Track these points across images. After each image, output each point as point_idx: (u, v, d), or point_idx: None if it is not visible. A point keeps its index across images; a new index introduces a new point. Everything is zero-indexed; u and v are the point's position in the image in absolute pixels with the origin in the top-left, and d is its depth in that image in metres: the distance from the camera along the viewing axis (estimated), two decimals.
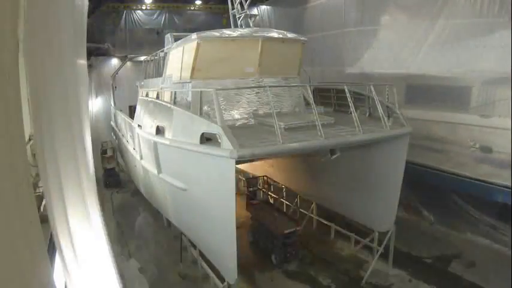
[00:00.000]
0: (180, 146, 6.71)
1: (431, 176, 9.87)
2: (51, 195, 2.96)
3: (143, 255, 9.38)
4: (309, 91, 8.31)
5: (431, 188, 10.21)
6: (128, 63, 19.75)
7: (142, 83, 12.77)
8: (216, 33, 8.09)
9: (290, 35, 8.91)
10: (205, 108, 7.26)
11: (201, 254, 7.80)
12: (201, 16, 23.67)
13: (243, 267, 6.66)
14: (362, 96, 8.57)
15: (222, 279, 6.72)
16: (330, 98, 9.78)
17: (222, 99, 7.56)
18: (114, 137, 16.05)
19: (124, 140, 12.51)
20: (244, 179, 12.11)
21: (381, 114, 7.03)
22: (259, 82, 8.42)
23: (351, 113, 6.90)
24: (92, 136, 4.64)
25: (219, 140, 5.65)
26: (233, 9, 10.31)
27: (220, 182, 5.88)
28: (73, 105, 3.65)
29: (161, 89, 9.91)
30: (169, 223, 10.05)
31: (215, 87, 6.10)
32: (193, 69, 8.01)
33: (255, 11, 18.38)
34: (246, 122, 8.02)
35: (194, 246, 8.16)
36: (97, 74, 20.88)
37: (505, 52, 8.14)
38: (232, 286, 6.42)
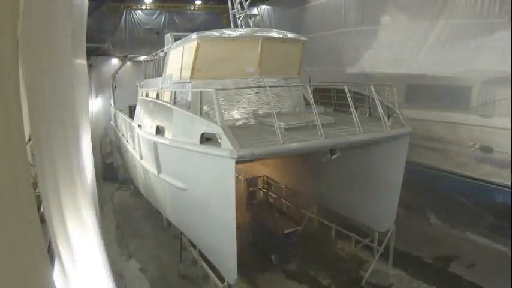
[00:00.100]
0: (180, 146, 6.71)
1: (431, 175, 9.88)
2: (49, 197, 2.95)
3: (143, 256, 9.39)
4: (309, 91, 8.32)
5: (431, 188, 10.21)
6: (128, 63, 19.73)
7: (142, 83, 12.76)
8: (216, 33, 8.09)
9: (290, 35, 8.90)
10: (205, 108, 7.26)
11: (201, 254, 7.79)
12: (201, 16, 23.63)
13: (243, 267, 6.64)
14: (362, 96, 8.56)
15: (222, 279, 6.71)
16: (330, 98, 9.77)
17: (222, 99, 7.55)
18: (114, 137, 16.13)
19: (124, 140, 12.51)
20: (244, 179, 12.11)
21: (381, 114, 7.03)
22: (259, 82, 8.41)
23: (351, 113, 6.90)
24: (91, 135, 4.65)
25: (219, 140, 5.65)
26: (233, 9, 10.31)
27: (220, 182, 5.88)
28: (72, 105, 3.65)
29: (161, 89, 9.91)
30: (169, 223, 10.05)
31: (215, 87, 6.10)
32: (193, 69, 8.01)
33: (255, 11, 18.39)
34: (246, 122, 8.02)
35: (194, 246, 8.15)
36: (97, 73, 20.85)
37: (505, 52, 8.14)
38: (232, 286, 6.42)
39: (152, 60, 11.78)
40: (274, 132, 5.90)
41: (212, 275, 7.26)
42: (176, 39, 9.48)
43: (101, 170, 15.84)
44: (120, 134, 13.69)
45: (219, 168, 5.72)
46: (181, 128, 6.87)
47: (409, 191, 7.98)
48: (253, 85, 8.32)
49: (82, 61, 6.81)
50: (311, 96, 7.87)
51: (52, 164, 3.02)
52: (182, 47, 8.54)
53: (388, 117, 7.38)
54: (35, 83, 2.80)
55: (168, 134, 7.30)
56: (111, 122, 16.75)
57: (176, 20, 22.76)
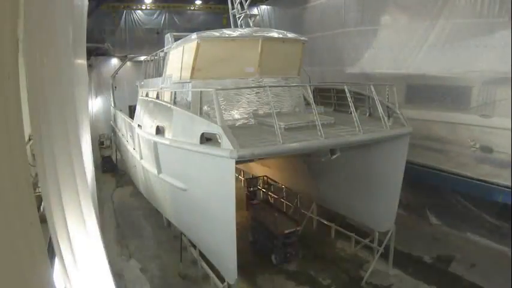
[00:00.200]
0: (180, 146, 6.71)
1: (431, 176, 9.88)
2: (50, 196, 2.95)
3: (143, 256, 9.39)
4: (309, 91, 8.32)
5: (432, 188, 10.21)
6: (128, 63, 19.76)
7: (142, 83, 12.76)
8: (216, 33, 8.09)
9: (290, 35, 8.90)
10: (205, 108, 7.26)
11: (201, 254, 7.79)
12: (201, 16, 23.66)
13: (243, 267, 6.65)
14: (362, 96, 8.56)
15: (222, 279, 6.72)
16: (330, 98, 9.78)
17: (222, 99, 7.55)
18: (114, 136, 16.20)
19: (124, 140, 12.51)
20: (244, 179, 12.11)
21: (381, 114, 7.03)
22: (259, 82, 8.42)
23: (351, 113, 6.89)
24: (91, 134, 4.65)
25: (219, 140, 5.65)
26: (233, 9, 10.31)
27: (220, 182, 5.88)
28: (72, 105, 3.65)
29: (161, 89, 9.91)
30: (169, 223, 10.05)
31: (215, 87, 6.10)
32: (193, 69, 8.01)
33: (255, 11, 18.39)
34: (246, 122, 8.02)
35: (194, 246, 8.15)
36: (97, 74, 20.89)
37: (505, 52, 8.13)
38: (232, 286, 6.42)
39: (152, 60, 11.78)
40: (274, 132, 5.90)
41: (212, 275, 7.27)
42: (176, 39, 9.48)
43: (99, 164, 17.12)
44: (120, 134, 13.70)
45: (219, 168, 5.72)
46: (181, 128, 6.87)
47: (409, 191, 7.99)
48: (253, 85, 8.32)
49: (82, 61, 6.82)
50: (311, 96, 7.87)
51: (53, 164, 3.03)
52: (182, 47, 8.54)
53: (388, 117, 7.39)
54: (35, 83, 2.80)
55: (168, 134, 7.30)
56: (111, 122, 16.78)
57: (176, 20, 22.79)
